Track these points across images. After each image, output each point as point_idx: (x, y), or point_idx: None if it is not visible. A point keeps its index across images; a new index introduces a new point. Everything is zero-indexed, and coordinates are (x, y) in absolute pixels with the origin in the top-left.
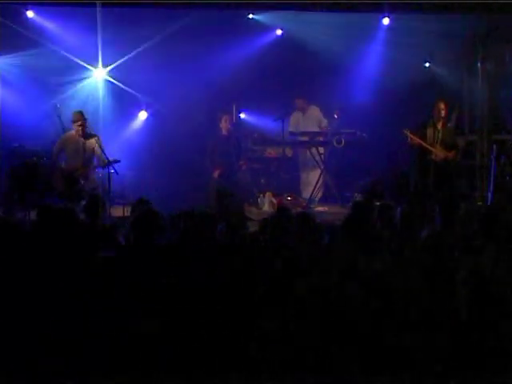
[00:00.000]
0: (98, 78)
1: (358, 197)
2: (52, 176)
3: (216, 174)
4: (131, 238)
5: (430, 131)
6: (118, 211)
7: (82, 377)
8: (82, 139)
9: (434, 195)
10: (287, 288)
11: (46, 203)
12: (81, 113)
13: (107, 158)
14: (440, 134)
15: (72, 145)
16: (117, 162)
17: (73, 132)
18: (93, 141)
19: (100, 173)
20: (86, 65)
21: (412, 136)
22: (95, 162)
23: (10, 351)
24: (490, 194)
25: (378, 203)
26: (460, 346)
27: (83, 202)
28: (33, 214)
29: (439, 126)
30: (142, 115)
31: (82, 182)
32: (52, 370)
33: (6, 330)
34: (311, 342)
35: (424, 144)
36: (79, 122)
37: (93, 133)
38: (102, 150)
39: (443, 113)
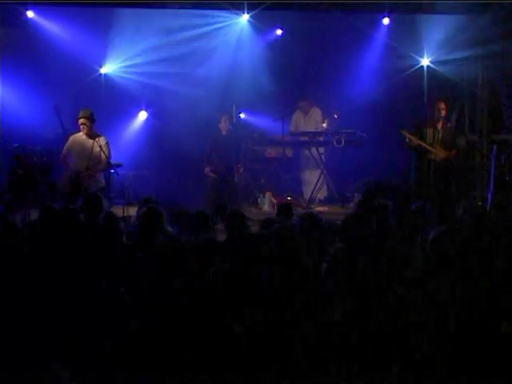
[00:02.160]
0: (97, 77)
1: (358, 197)
2: (61, 177)
3: (213, 173)
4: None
5: (429, 131)
6: (118, 211)
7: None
8: (90, 140)
9: (433, 195)
10: (288, 289)
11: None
12: (89, 111)
13: (109, 162)
14: (440, 134)
15: (78, 146)
16: (119, 165)
17: (80, 133)
18: (100, 140)
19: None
20: (85, 64)
21: (410, 136)
22: (101, 164)
23: (11, 350)
24: (489, 194)
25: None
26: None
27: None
28: (33, 214)
29: (439, 126)
30: (142, 115)
31: (88, 183)
32: (53, 370)
33: (10, 329)
34: (320, 343)
35: (423, 144)
36: (82, 120)
37: (99, 133)
38: (109, 152)
39: (443, 113)
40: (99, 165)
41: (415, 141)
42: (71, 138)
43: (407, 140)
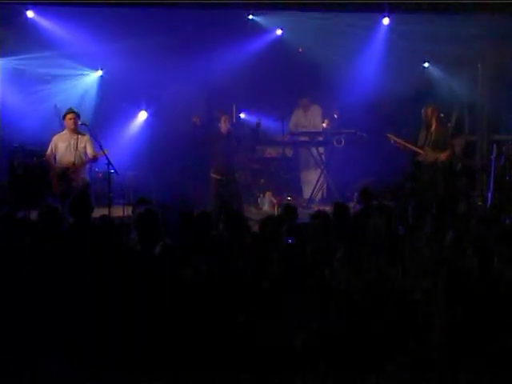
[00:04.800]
0: (97, 78)
1: (357, 197)
2: (49, 176)
3: (214, 174)
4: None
5: (422, 134)
6: (117, 211)
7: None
8: (74, 136)
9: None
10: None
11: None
12: (72, 109)
13: (96, 152)
14: (432, 136)
15: (63, 143)
16: (105, 153)
17: (63, 132)
18: (85, 138)
19: (100, 172)
20: (85, 65)
21: (395, 139)
22: (86, 159)
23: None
24: (489, 194)
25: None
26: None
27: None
28: (33, 214)
29: (432, 128)
30: (142, 115)
31: (75, 178)
32: (51, 371)
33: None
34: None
35: (410, 146)
36: (70, 115)
37: (83, 132)
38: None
39: (430, 118)
40: (84, 159)
41: (401, 143)
42: (55, 137)
43: (392, 142)
